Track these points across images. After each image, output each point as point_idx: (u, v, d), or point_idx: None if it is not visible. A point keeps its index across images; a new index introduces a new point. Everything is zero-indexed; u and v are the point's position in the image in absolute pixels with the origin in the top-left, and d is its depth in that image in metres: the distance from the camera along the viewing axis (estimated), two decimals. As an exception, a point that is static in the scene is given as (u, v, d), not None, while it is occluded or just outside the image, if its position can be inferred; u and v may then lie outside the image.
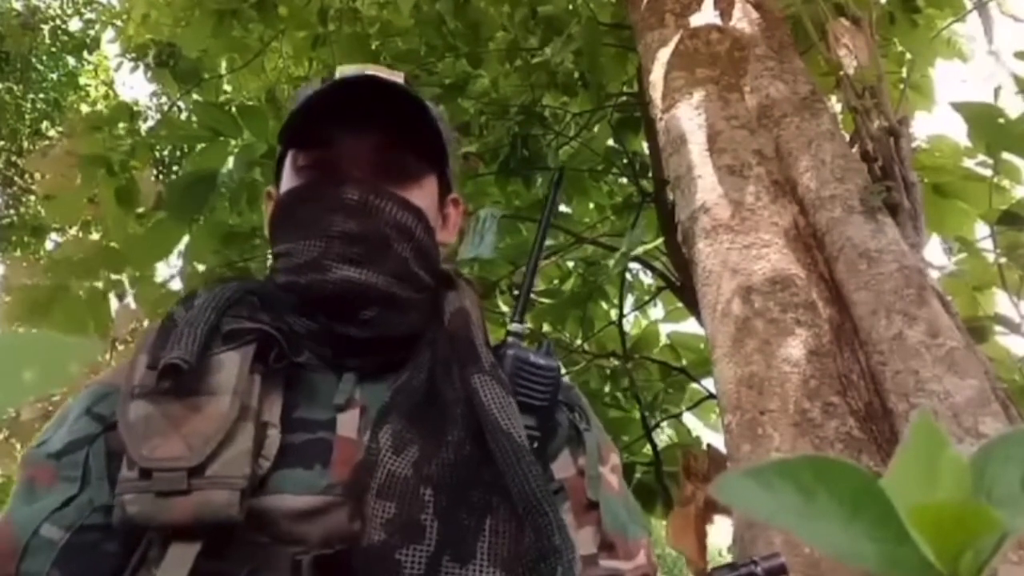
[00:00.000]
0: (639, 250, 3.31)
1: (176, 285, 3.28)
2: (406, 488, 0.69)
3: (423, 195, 0.85)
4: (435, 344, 0.81)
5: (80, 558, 0.69)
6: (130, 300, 3.09)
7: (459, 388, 0.76)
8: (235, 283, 0.82)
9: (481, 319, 0.84)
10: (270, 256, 0.89)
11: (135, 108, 3.92)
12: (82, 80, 9.16)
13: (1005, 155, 2.32)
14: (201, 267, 3.30)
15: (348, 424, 0.75)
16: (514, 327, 0.85)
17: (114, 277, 2.95)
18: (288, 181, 0.85)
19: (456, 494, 0.70)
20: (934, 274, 1.66)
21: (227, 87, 4.43)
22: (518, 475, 0.69)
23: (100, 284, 2.91)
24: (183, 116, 4.91)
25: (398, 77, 0.87)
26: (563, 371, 0.88)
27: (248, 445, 0.68)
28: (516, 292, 3.77)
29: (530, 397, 0.78)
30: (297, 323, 0.79)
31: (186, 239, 3.20)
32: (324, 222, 0.79)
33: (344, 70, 0.88)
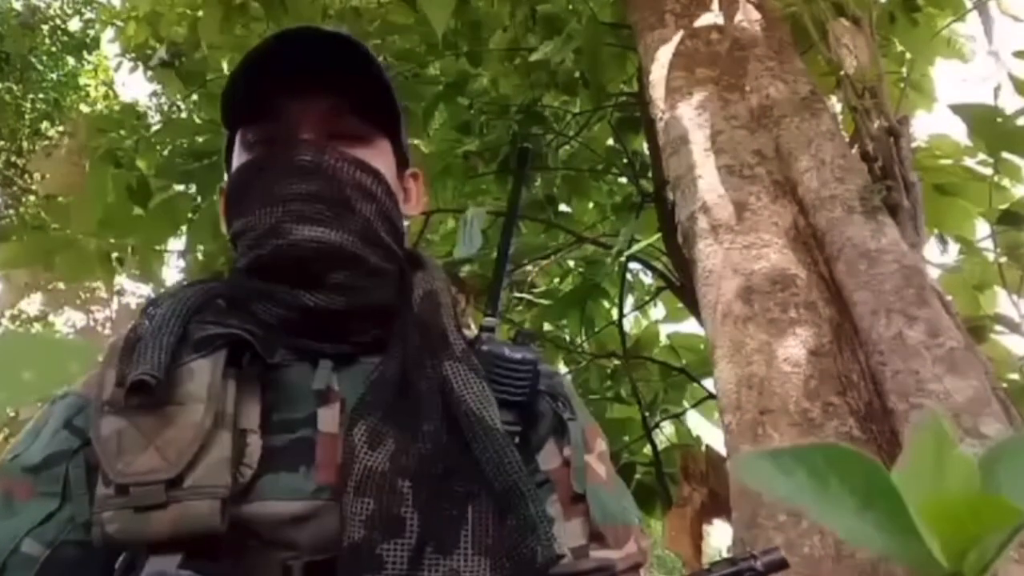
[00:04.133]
0: (636, 248, 3.31)
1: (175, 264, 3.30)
2: (383, 483, 0.67)
3: (380, 158, 0.81)
4: (406, 333, 0.79)
5: (61, 574, 0.67)
6: (130, 300, 3.10)
7: (432, 377, 0.74)
8: (199, 286, 0.80)
9: (452, 301, 0.82)
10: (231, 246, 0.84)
11: (138, 109, 3.91)
12: (82, 80, 9.17)
13: (1005, 154, 2.33)
14: (202, 256, 3.30)
15: (329, 419, 0.73)
16: (487, 321, 0.82)
17: (118, 242, 2.98)
18: (239, 161, 0.81)
19: (435, 485, 0.68)
20: (934, 273, 1.66)
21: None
22: (492, 457, 0.68)
23: (105, 245, 2.95)
24: (184, 116, 4.91)
25: (339, 32, 0.81)
26: (563, 369, 0.86)
27: (226, 453, 0.66)
28: (517, 292, 3.77)
29: (507, 393, 0.76)
30: (266, 312, 0.77)
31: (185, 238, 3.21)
32: (279, 188, 0.75)
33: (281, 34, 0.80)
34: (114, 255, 3.01)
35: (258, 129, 0.80)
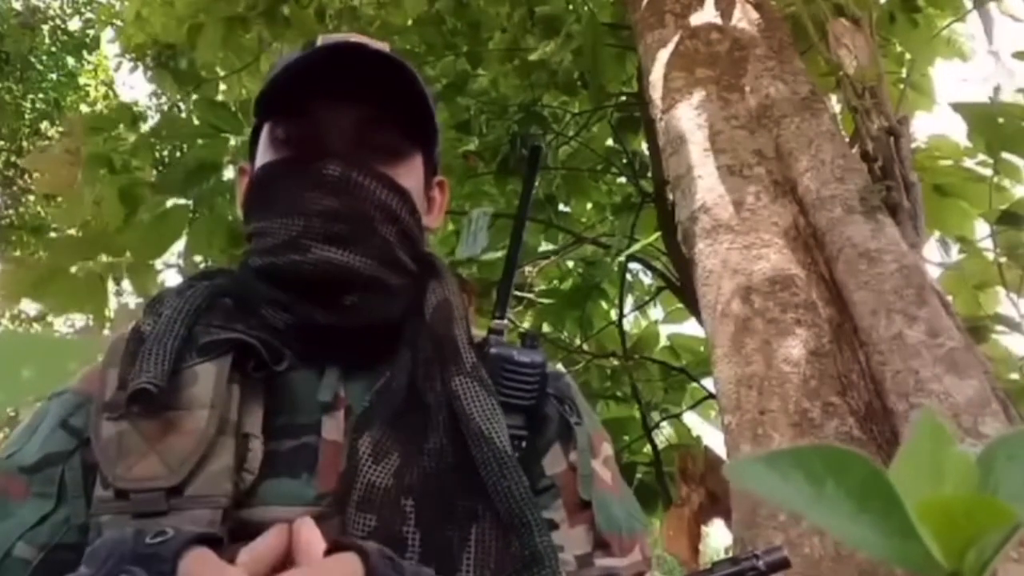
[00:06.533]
0: (636, 248, 3.31)
1: (171, 277, 3.29)
2: (386, 499, 0.66)
3: (409, 175, 0.80)
4: (416, 342, 0.77)
5: None
6: (129, 301, 3.10)
7: (440, 391, 0.73)
8: (204, 284, 0.78)
9: (464, 312, 0.81)
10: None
11: (136, 109, 3.91)
12: (82, 80, 9.17)
13: (1005, 155, 2.33)
14: (200, 261, 3.29)
15: (333, 427, 0.72)
16: (495, 324, 0.81)
17: (111, 260, 2.95)
18: (264, 155, 0.80)
19: (439, 504, 0.67)
20: (934, 273, 1.67)
21: (223, 86, 4.41)
22: (500, 483, 0.67)
23: (97, 268, 2.91)
24: (183, 116, 4.90)
25: (383, 47, 0.80)
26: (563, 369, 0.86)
27: (229, 461, 0.65)
28: (516, 292, 3.77)
29: (515, 397, 0.75)
30: (275, 318, 0.75)
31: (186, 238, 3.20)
32: (303, 199, 0.74)
33: (327, 38, 0.81)
34: (109, 275, 2.99)
35: (288, 126, 0.79)
